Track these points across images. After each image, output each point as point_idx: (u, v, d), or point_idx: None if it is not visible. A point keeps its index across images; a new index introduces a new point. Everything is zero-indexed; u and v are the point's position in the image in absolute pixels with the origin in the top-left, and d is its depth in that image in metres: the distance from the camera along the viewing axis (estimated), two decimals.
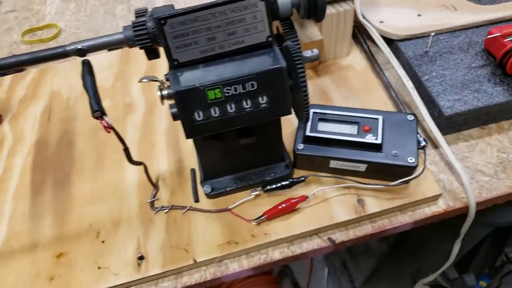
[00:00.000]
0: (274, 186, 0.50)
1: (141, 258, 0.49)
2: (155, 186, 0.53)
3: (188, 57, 0.39)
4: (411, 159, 0.48)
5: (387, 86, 0.61)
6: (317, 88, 0.62)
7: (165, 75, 0.41)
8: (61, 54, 0.39)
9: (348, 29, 0.61)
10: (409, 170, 0.49)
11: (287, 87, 0.39)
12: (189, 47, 0.38)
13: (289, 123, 0.56)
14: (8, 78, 0.68)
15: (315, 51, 0.44)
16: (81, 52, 0.39)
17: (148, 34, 0.38)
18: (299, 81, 0.38)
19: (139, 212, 0.52)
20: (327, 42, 0.62)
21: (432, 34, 0.59)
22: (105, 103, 0.64)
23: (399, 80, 0.57)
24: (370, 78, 0.62)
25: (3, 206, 0.54)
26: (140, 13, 0.40)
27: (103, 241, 0.50)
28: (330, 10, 0.58)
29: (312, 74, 0.64)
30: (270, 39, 0.39)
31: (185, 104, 0.38)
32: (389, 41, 0.64)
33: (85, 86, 0.40)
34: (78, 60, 0.74)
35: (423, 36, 0.62)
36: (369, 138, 0.49)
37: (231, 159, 0.51)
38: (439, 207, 0.51)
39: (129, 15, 0.79)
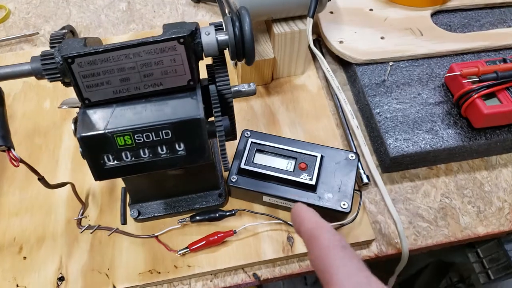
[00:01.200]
0: (202, 217, 0.49)
1: (61, 279, 0.48)
2: (83, 203, 0.52)
3: (99, 96, 0.36)
4: (344, 204, 0.47)
5: (338, 111, 0.59)
6: (266, 108, 0.59)
7: (79, 108, 0.38)
8: None
9: (303, 49, 0.58)
10: (342, 214, 0.47)
11: (205, 137, 0.37)
12: (100, 86, 0.35)
13: (231, 144, 0.54)
14: None
15: (252, 85, 0.42)
16: None
17: (57, 69, 0.35)
18: (216, 131, 0.36)
19: (65, 229, 0.51)
20: (281, 60, 0.59)
21: (391, 64, 0.56)
22: (45, 105, 0.62)
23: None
24: (321, 102, 0.59)
25: None
26: (54, 41, 0.37)
27: (24, 257, 0.49)
28: (284, 28, 0.55)
29: (263, 91, 0.61)
30: (191, 83, 0.36)
31: (91, 149, 0.36)
32: (347, 63, 0.61)
33: None
34: (24, 51, 0.70)
35: (383, 62, 0.59)
36: (304, 178, 0.48)
37: (160, 186, 0.49)
38: (371, 251, 0.50)
39: (83, 2, 0.74)
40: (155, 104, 0.36)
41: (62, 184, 0.47)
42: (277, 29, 0.55)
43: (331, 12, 0.64)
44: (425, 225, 0.51)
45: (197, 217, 0.49)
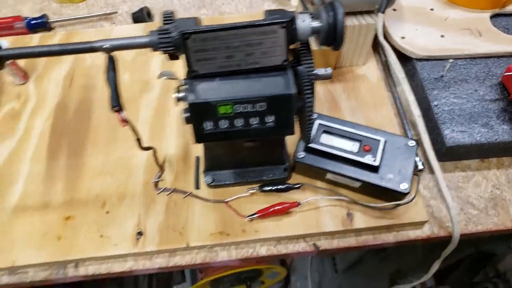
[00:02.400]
0: (270, 188, 0.54)
1: (139, 233, 0.53)
2: (161, 168, 0.57)
3: (206, 69, 0.41)
4: (404, 186, 0.51)
5: (396, 102, 0.63)
6: (328, 94, 0.63)
7: (184, 79, 0.43)
8: (89, 50, 0.41)
9: (368, 42, 0.61)
10: (400, 195, 0.51)
11: (293, 112, 0.41)
12: (208, 61, 0.40)
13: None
14: (36, 37, 0.71)
15: (329, 70, 0.46)
16: (106, 50, 0.41)
17: (172, 43, 0.40)
18: (305, 106, 0.41)
19: (143, 190, 0.56)
20: (346, 51, 0.63)
21: (450, 61, 0.60)
22: (124, 77, 0.67)
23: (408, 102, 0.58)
24: (381, 93, 0.63)
25: (21, 166, 0.58)
26: (167, 18, 0.42)
27: (107, 212, 0.55)
28: (353, 21, 0.59)
29: None
30: (285, 63, 0.41)
31: (196, 115, 0.41)
32: (407, 58, 0.64)
33: (107, 80, 0.42)
34: (104, 28, 0.76)
35: (442, 59, 0.63)
36: (368, 159, 0.52)
37: (234, 156, 0.54)
38: (424, 232, 0.54)
39: None
40: (252, 80, 0.41)
41: (148, 148, 0.52)
42: (348, 21, 0.59)
43: (394, 10, 0.68)
44: (476, 213, 0.55)
45: (266, 187, 0.54)
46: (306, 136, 0.43)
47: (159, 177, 0.57)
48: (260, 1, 0.76)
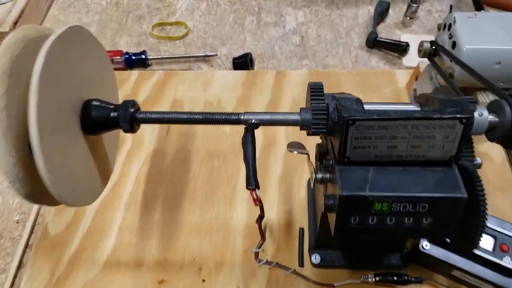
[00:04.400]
0: (388, 278, 0.48)
1: None
2: (263, 236, 0.53)
3: (360, 157, 0.36)
4: None
5: None
6: None
7: (326, 158, 0.39)
8: (234, 122, 0.38)
9: None
10: None
11: (459, 216, 0.36)
12: (366, 149, 0.36)
13: None
14: (135, 74, 0.69)
15: (478, 160, 0.41)
16: (253, 126, 0.38)
17: (327, 125, 0.36)
18: (479, 210, 0.35)
19: (242, 259, 0.52)
20: None
21: None
22: (226, 128, 0.64)
23: None
24: (507, 176, 0.57)
25: (115, 213, 0.55)
26: (316, 93, 0.38)
27: (203, 280, 0.50)
28: (489, 98, 0.53)
29: None
30: (452, 159, 0.36)
31: (346, 207, 0.36)
32: None
33: (245, 155, 0.38)
34: (204, 71, 0.74)
35: None
36: (507, 262, 0.45)
37: (350, 240, 0.49)
38: None
39: (258, 30, 0.77)
40: (413, 175, 0.36)
41: (261, 217, 0.48)
42: (482, 97, 0.53)
43: None
44: None
45: (382, 277, 0.48)
46: (474, 242, 0.37)
47: (260, 246, 0.52)
48: (367, 56, 0.72)
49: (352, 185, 0.36)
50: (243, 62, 0.69)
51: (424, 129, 0.35)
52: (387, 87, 0.67)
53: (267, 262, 0.51)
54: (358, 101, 0.37)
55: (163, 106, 0.66)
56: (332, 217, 0.38)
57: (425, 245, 0.48)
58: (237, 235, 0.54)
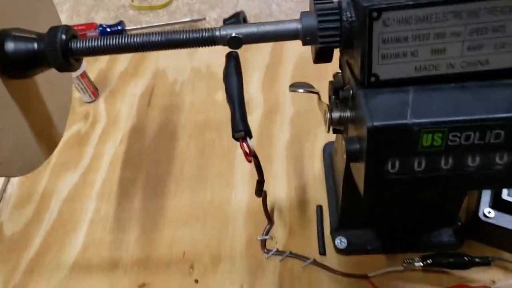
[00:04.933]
0: (441, 261, 0.36)
1: None
2: (270, 219, 0.41)
3: (394, 73, 0.25)
4: None
5: None
6: None
7: (343, 89, 0.28)
8: (206, 41, 0.27)
9: None
10: None
11: None
12: (401, 58, 0.24)
13: None
14: None
15: None
16: (234, 43, 0.27)
17: (341, 29, 0.25)
18: None
19: (245, 250, 0.40)
20: None
21: None
22: (218, 96, 0.53)
23: None
24: None
25: (87, 203, 0.45)
26: None
27: (196, 281, 0.39)
28: None
29: None
30: None
31: (378, 147, 0.24)
32: None
33: (228, 90, 0.27)
34: None
35: None
36: None
37: (383, 210, 0.37)
38: None
39: None
40: (474, 93, 0.24)
41: (264, 193, 0.36)
42: None
43: None
44: None
45: (433, 260, 0.36)
46: None
47: (267, 232, 0.41)
48: None
49: (385, 112, 0.24)
50: (235, 22, 0.58)
51: (487, 15, 0.23)
52: None
53: (278, 252, 0.39)
54: None
55: (143, 79, 0.56)
56: (359, 169, 0.26)
57: (488, 212, 0.35)
58: (237, 221, 0.42)
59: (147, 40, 0.27)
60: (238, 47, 0.27)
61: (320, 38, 0.25)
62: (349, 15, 0.24)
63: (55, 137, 0.33)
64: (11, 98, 0.28)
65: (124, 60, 0.58)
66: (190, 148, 0.48)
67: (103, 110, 0.53)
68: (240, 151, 0.43)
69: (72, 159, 0.49)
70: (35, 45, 0.27)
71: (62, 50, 0.27)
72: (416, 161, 0.25)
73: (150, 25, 0.62)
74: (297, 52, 0.55)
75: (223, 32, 0.27)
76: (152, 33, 0.27)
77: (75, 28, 0.61)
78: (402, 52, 0.24)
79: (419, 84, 0.25)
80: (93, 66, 0.57)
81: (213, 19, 0.63)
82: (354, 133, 0.27)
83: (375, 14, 0.23)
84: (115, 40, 0.27)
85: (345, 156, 0.26)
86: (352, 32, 0.25)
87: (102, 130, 0.51)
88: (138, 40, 0.27)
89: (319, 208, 0.42)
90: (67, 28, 0.27)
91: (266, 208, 0.39)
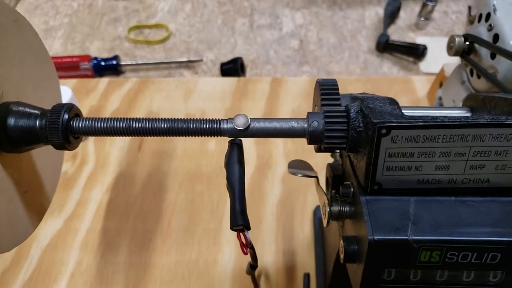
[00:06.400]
0: None
1: None
2: (257, 285, 0.41)
3: (397, 184, 0.25)
4: None
5: None
6: None
7: (343, 185, 0.28)
8: (213, 132, 0.26)
9: None
10: None
11: None
12: (404, 171, 0.24)
13: None
14: (104, 81, 0.58)
15: None
16: (240, 135, 0.26)
17: (347, 136, 0.25)
18: None
19: None
20: None
21: None
22: (210, 146, 0.53)
23: None
24: None
25: (68, 252, 0.43)
26: (329, 90, 0.27)
27: None
28: None
29: None
30: None
31: (377, 258, 0.24)
32: None
33: (229, 179, 0.27)
34: (185, 78, 0.63)
35: None
36: None
37: None
38: None
39: (250, 33, 0.66)
40: (473, 209, 0.25)
41: (253, 268, 0.36)
42: None
43: None
44: None
45: None
46: None
47: None
48: (377, 62, 0.62)
49: (386, 224, 0.24)
50: (232, 68, 0.59)
51: (491, 141, 0.24)
52: (404, 96, 0.56)
53: None
54: (393, 102, 0.25)
55: None
56: (355, 270, 0.26)
57: None
58: (223, 283, 0.41)
59: (152, 126, 0.26)
60: (243, 137, 0.27)
61: (326, 139, 0.25)
62: (357, 125, 0.25)
63: (44, 205, 0.32)
64: (4, 171, 0.27)
65: (116, 98, 0.57)
66: (179, 200, 0.47)
67: (92, 152, 0.52)
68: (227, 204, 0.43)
69: (56, 203, 0.47)
70: (37, 122, 0.26)
71: (63, 129, 0.26)
72: (412, 272, 0.25)
73: (145, 61, 0.62)
74: (291, 107, 0.56)
75: (230, 125, 0.26)
76: (157, 119, 0.27)
77: (69, 59, 0.60)
78: (407, 166, 0.24)
79: (421, 194, 0.25)
80: (84, 101, 0.56)
81: (210, 60, 0.63)
82: (352, 232, 0.27)
83: (384, 131, 0.23)
84: (118, 123, 0.26)
85: (342, 255, 0.26)
86: (359, 141, 0.25)
87: (90, 174, 0.49)
88: (143, 125, 0.26)
89: (307, 277, 0.41)
90: (71, 107, 0.27)
91: (254, 276, 0.39)
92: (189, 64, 0.62)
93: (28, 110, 0.26)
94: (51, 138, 0.26)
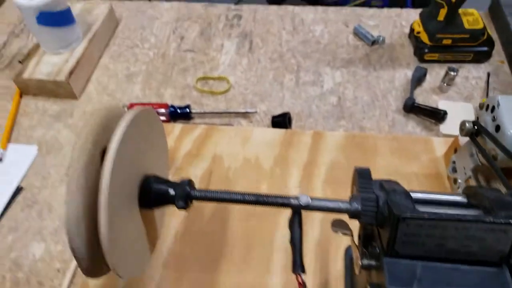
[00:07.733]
0: None
1: None
2: None
3: (409, 252, 0.37)
4: None
5: None
6: None
7: (372, 245, 0.40)
8: (283, 205, 0.39)
9: None
10: None
11: None
12: (414, 245, 0.36)
13: None
14: (178, 127, 0.72)
15: None
16: (301, 208, 0.39)
17: (376, 218, 0.37)
18: None
19: None
20: None
21: None
22: (262, 187, 0.66)
23: None
24: None
25: (153, 272, 0.57)
26: (364, 181, 0.39)
27: None
28: None
29: None
30: (502, 260, 0.36)
31: None
32: None
33: (292, 237, 0.40)
34: (243, 127, 0.76)
35: None
36: None
37: None
38: None
39: (296, 88, 0.79)
40: (462, 273, 0.36)
41: None
42: None
43: None
44: None
45: None
46: None
47: None
48: (404, 121, 0.73)
49: (399, 279, 0.36)
50: (282, 121, 0.71)
51: (475, 231, 0.35)
52: (424, 155, 0.68)
53: None
54: (408, 196, 0.37)
55: (203, 161, 0.68)
56: None
57: None
58: None
59: (244, 198, 0.39)
60: (305, 209, 0.39)
61: (362, 218, 0.38)
62: (383, 211, 0.37)
63: (155, 240, 0.46)
64: (142, 222, 0.40)
65: (188, 141, 0.70)
66: (239, 232, 0.60)
67: None
68: (279, 239, 0.56)
69: None
70: (170, 191, 0.39)
71: (186, 197, 0.39)
72: None
73: (211, 110, 0.75)
74: (329, 158, 0.68)
75: (295, 202, 0.39)
76: (248, 194, 0.40)
77: (151, 105, 0.75)
78: (416, 242, 0.36)
79: (426, 260, 0.37)
80: None
81: (262, 111, 0.76)
82: (375, 279, 0.39)
83: (402, 219, 0.35)
84: (222, 195, 0.39)
85: None
86: (384, 222, 0.37)
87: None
88: (237, 198, 0.39)
89: None
90: (190, 181, 0.40)
91: None
92: (245, 114, 0.75)
93: (163, 182, 0.40)
94: (177, 202, 0.39)
